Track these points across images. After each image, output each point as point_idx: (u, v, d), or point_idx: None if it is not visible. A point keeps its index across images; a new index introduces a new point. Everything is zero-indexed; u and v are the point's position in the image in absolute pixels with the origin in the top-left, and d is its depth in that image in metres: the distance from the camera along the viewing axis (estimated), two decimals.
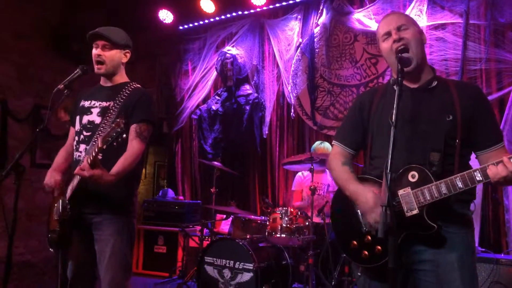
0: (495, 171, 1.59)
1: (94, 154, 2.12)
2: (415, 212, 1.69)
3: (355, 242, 1.85)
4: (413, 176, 1.73)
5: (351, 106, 2.13)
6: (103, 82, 2.60)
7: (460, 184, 1.63)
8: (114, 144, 2.11)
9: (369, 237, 1.81)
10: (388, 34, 1.88)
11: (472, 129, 1.80)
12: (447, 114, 1.78)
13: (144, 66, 6.07)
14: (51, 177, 2.46)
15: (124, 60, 2.57)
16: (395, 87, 1.91)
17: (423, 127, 1.80)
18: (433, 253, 1.73)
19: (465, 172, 1.64)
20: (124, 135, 2.10)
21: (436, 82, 1.88)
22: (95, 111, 2.47)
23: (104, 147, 2.10)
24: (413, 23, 1.92)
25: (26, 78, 5.15)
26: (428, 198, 1.68)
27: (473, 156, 1.88)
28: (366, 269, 1.89)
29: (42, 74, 5.26)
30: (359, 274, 1.93)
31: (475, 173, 1.63)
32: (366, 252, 1.81)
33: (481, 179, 1.62)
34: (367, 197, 1.79)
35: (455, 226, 1.76)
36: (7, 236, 2.18)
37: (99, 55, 2.48)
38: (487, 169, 1.61)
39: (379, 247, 1.77)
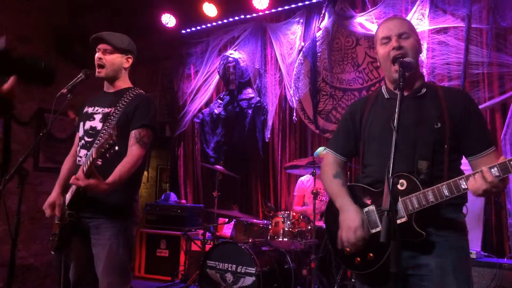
0: (474, 183, 1.57)
1: (89, 164, 2.13)
2: (404, 219, 1.71)
3: (348, 249, 1.87)
4: (401, 184, 1.75)
5: (343, 115, 2.14)
6: (106, 87, 2.61)
7: (446, 192, 1.64)
8: (111, 151, 2.12)
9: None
10: (388, 38, 1.87)
11: (462, 135, 1.79)
12: (436, 122, 1.78)
13: (146, 69, 6.09)
14: (52, 202, 2.44)
15: (126, 65, 2.58)
16: (386, 94, 1.93)
17: (411, 134, 1.80)
18: (427, 258, 1.74)
19: (451, 180, 1.64)
20: (117, 147, 2.09)
21: (425, 90, 1.88)
22: (98, 117, 2.48)
23: (98, 157, 2.11)
24: (414, 31, 1.91)
25: None
26: (416, 206, 1.69)
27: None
28: (359, 275, 1.92)
29: None
30: (352, 280, 1.97)
31: (460, 181, 1.63)
32: (359, 259, 1.84)
33: (466, 187, 1.62)
34: (349, 216, 1.83)
35: (447, 230, 1.76)
36: (10, 239, 2.19)
37: (99, 58, 2.51)
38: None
39: (371, 254, 1.80)
